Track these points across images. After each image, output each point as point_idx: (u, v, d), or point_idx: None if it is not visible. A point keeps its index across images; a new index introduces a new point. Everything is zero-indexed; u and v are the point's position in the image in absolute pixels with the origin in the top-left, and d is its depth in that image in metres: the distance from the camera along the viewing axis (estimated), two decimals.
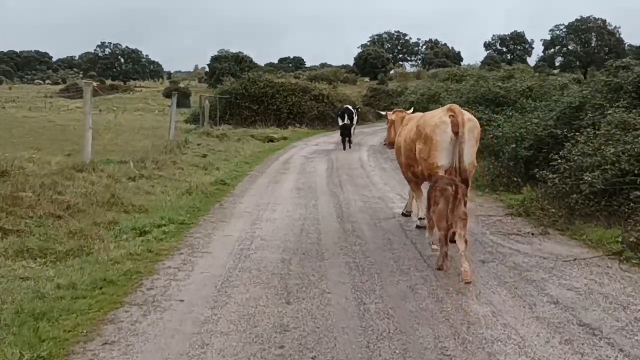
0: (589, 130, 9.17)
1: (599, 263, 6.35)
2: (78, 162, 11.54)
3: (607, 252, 6.70)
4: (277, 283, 5.61)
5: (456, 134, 6.66)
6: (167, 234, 7.50)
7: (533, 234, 7.68)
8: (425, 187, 8.28)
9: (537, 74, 22.26)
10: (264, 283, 5.62)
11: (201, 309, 4.93)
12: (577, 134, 9.26)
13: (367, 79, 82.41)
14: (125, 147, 16.66)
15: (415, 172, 7.88)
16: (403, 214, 8.88)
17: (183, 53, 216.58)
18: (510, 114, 14.03)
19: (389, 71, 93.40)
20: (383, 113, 10.75)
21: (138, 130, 24.43)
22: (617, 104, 9.79)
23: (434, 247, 6.57)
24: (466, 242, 5.92)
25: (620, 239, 6.87)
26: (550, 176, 8.77)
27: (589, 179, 7.76)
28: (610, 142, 8.30)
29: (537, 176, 9.48)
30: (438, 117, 6.96)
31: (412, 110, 9.72)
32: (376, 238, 7.45)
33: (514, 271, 6.04)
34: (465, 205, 6.13)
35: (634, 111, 9.39)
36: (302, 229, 7.93)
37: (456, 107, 7.05)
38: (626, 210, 7.35)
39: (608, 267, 6.22)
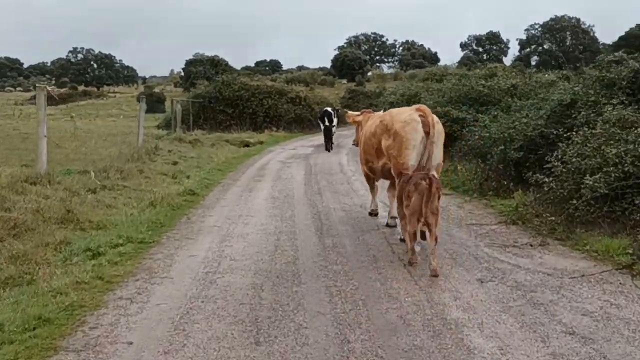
0: (584, 129, 8.53)
1: (609, 279, 5.65)
2: (31, 173, 10.56)
3: (616, 265, 6.01)
4: (245, 316, 4.77)
5: (427, 133, 6.54)
6: (124, 256, 6.61)
7: (531, 245, 6.97)
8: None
9: (514, 72, 21.60)
10: (230, 316, 4.78)
11: (151, 355, 4.09)
12: (572, 133, 8.61)
13: (344, 81, 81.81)
14: (90, 156, 15.63)
15: (373, 167, 7.88)
16: (387, 224, 8.14)
17: (159, 58, 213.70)
18: (495, 113, 13.41)
19: (366, 72, 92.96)
20: (347, 112, 10.56)
21: (106, 136, 23.29)
22: (611, 101, 9.17)
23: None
24: (436, 239, 5.95)
25: (630, 250, 6.20)
26: (545, 179, 8.09)
27: (591, 182, 7.08)
28: (611, 142, 7.64)
29: (530, 179, 8.83)
30: (407, 114, 6.81)
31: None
32: (359, 254, 6.65)
33: (516, 292, 5.30)
34: (438, 200, 6.08)
35: (629, 108, 8.78)
36: (276, 245, 7.10)
37: (425, 107, 6.97)
38: (633, 217, 6.69)
39: (620, 283, 5.52)
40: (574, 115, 9.69)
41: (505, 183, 10.23)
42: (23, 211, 8.32)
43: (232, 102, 29.63)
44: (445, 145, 14.12)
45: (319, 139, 26.96)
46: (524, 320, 4.60)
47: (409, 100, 20.26)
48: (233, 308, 4.95)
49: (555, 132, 9.74)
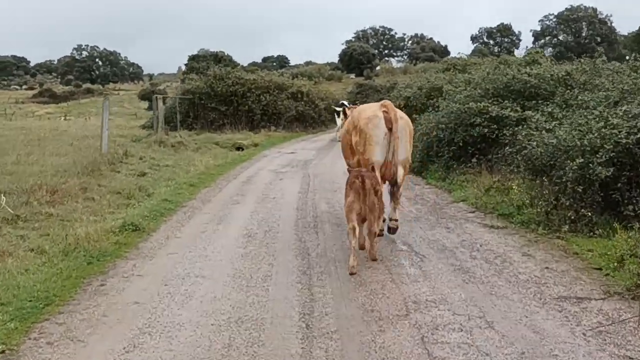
0: None
1: None
2: None
3: None
4: None
5: (390, 129, 6.63)
6: None
7: None
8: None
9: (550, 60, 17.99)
10: None
11: None
12: None
13: (352, 76, 78.67)
14: (32, 167, 12.46)
15: (351, 164, 7.39)
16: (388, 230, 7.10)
17: (169, 55, 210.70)
18: (549, 109, 10.12)
19: (375, 67, 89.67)
20: (338, 108, 10.22)
21: (75, 139, 20.06)
22: None
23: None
24: (376, 234, 6.04)
25: None
26: None
27: None
28: None
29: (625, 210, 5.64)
30: (371, 111, 6.91)
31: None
32: None
33: None
34: (377, 195, 5.96)
35: None
36: None
37: (389, 103, 7.02)
38: None
39: None
40: None
41: (588, 213, 6.93)
42: None
43: (226, 99, 26.20)
44: (484, 153, 10.99)
45: (323, 139, 23.91)
46: None
47: (429, 94, 17.01)
48: None
49: None
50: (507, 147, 10.23)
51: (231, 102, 26.29)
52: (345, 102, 21.60)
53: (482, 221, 8.04)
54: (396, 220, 7.08)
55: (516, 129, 10.28)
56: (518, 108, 10.95)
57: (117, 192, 10.73)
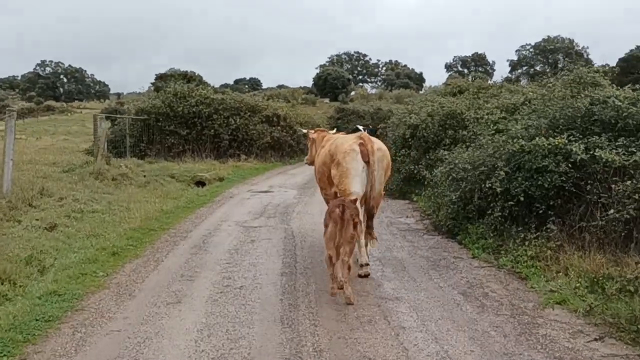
0: None
1: None
2: None
3: None
4: None
5: (367, 162, 6.71)
6: None
7: None
8: None
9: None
10: None
11: None
12: None
13: (326, 100, 75.51)
14: None
15: (328, 194, 7.45)
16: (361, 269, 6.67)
17: (142, 75, 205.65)
18: None
19: (350, 92, 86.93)
20: (304, 131, 10.07)
21: None
22: None
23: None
24: (349, 268, 5.74)
25: None
26: None
27: None
28: None
29: None
30: (348, 145, 6.90)
31: (334, 131, 9.48)
32: None
33: None
34: (354, 227, 5.81)
35: None
36: None
37: (366, 135, 7.11)
38: None
39: None
40: None
41: None
42: None
43: (188, 121, 21.97)
44: (559, 214, 7.21)
45: (303, 172, 20.01)
46: None
47: (444, 122, 13.28)
48: None
49: None
50: (612, 211, 6.53)
51: (194, 124, 22.11)
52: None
53: None
54: (367, 265, 6.83)
55: (621, 182, 6.61)
56: (614, 148, 7.22)
57: None
